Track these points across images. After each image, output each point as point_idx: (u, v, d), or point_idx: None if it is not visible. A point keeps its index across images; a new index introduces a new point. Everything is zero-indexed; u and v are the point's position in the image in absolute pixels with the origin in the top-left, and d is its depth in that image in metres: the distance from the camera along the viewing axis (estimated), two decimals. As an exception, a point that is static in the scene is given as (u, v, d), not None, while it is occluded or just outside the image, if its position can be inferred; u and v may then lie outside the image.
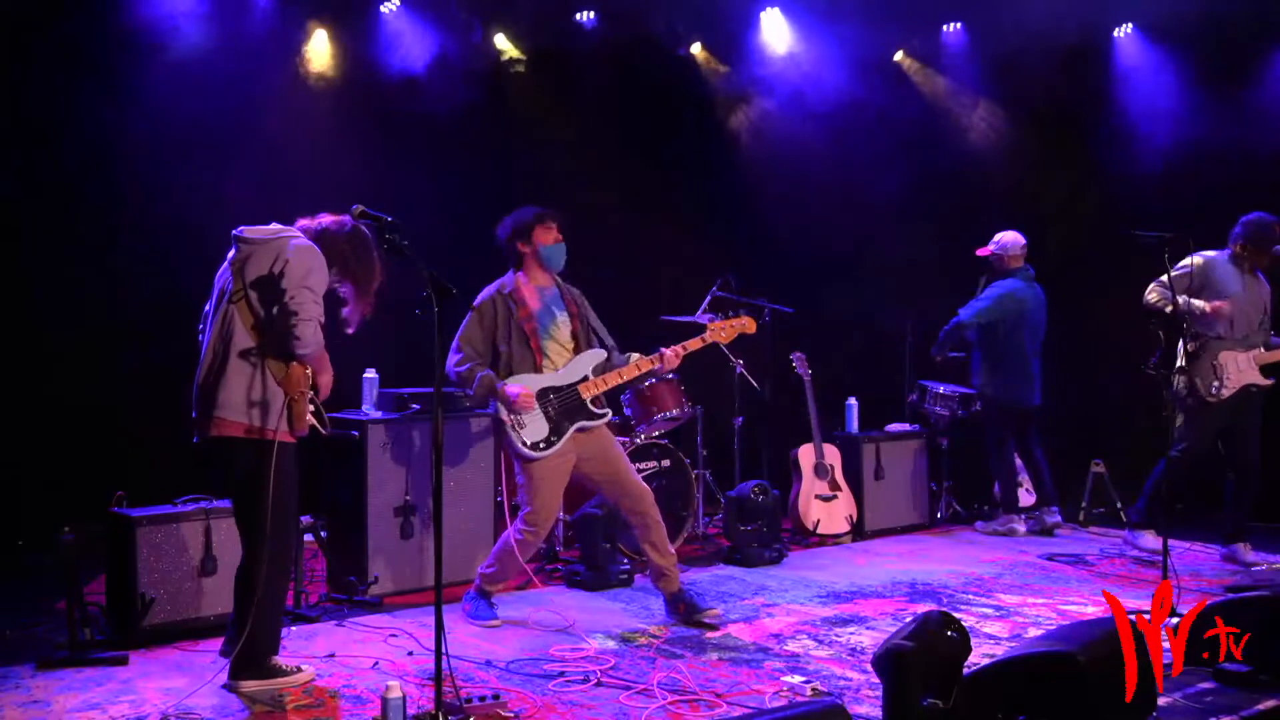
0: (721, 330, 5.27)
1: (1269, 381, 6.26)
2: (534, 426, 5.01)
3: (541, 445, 5.00)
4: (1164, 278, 6.04)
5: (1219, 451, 6.34)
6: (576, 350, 5.20)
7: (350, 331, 4.32)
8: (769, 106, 8.81)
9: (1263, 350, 6.27)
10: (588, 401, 5.10)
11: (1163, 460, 6.24)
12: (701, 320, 6.73)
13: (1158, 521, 6.26)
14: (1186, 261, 6.27)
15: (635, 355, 5.25)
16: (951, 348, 7.27)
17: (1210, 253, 6.33)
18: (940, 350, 7.24)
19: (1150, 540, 6.34)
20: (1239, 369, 6.20)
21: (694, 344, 5.22)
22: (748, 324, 5.33)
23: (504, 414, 5.01)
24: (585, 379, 5.12)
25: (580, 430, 5.07)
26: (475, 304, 5.09)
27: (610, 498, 5.27)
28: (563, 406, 5.06)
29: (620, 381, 5.17)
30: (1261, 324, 6.35)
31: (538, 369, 5.09)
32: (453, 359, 5.08)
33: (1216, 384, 6.16)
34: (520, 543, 5.05)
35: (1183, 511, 6.74)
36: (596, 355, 5.20)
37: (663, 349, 5.15)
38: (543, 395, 5.04)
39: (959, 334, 7.16)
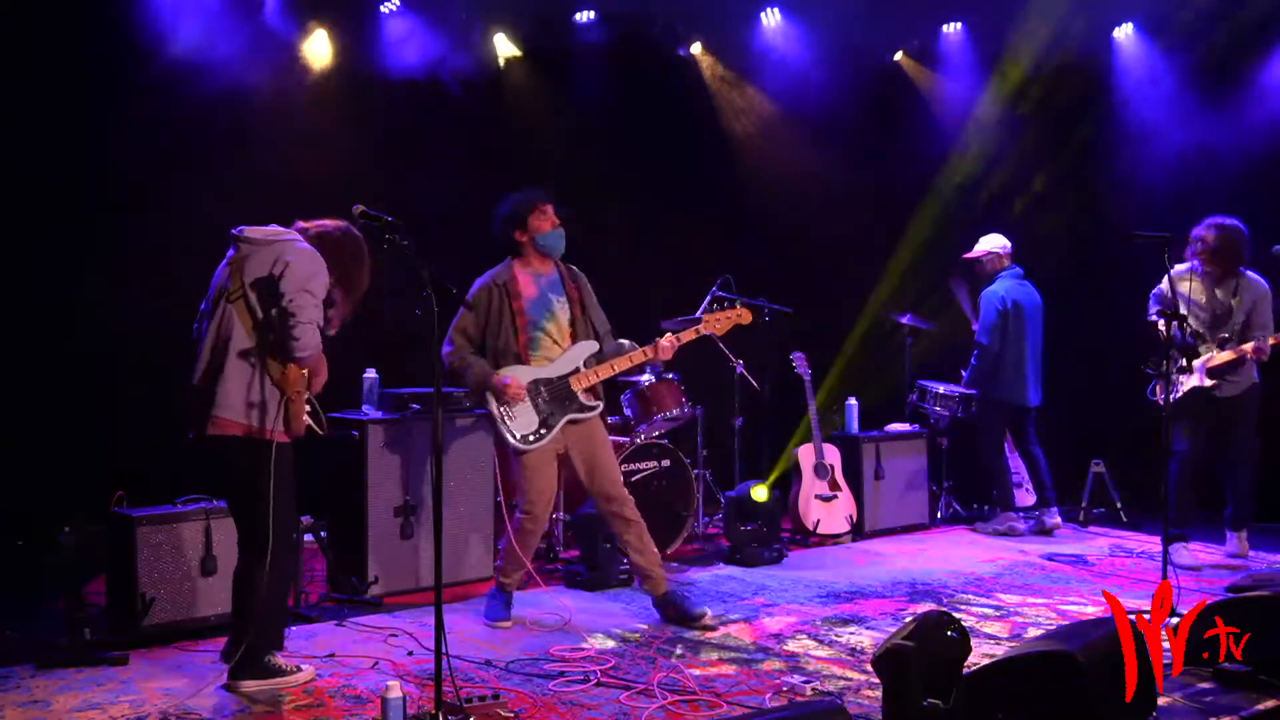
0: (716, 321, 5.19)
1: None
2: (524, 419, 4.98)
3: (531, 438, 4.98)
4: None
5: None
6: (574, 337, 5.12)
7: (331, 333, 4.31)
8: (769, 106, 8.80)
9: None
10: (579, 393, 5.05)
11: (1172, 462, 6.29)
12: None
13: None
14: None
15: (628, 343, 5.21)
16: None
17: None
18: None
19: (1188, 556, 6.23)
20: None
21: (688, 335, 5.14)
22: (743, 315, 5.23)
23: (493, 405, 4.97)
24: (577, 371, 5.06)
25: (571, 422, 5.05)
26: (469, 294, 5.00)
27: (590, 491, 5.17)
28: (553, 398, 5.01)
29: (613, 373, 5.11)
30: None
31: (524, 361, 5.02)
32: (445, 349, 5.02)
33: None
34: (521, 531, 5.05)
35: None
36: (589, 347, 5.13)
37: (658, 339, 5.07)
38: (533, 387, 5.00)
39: (990, 359, 7.15)
